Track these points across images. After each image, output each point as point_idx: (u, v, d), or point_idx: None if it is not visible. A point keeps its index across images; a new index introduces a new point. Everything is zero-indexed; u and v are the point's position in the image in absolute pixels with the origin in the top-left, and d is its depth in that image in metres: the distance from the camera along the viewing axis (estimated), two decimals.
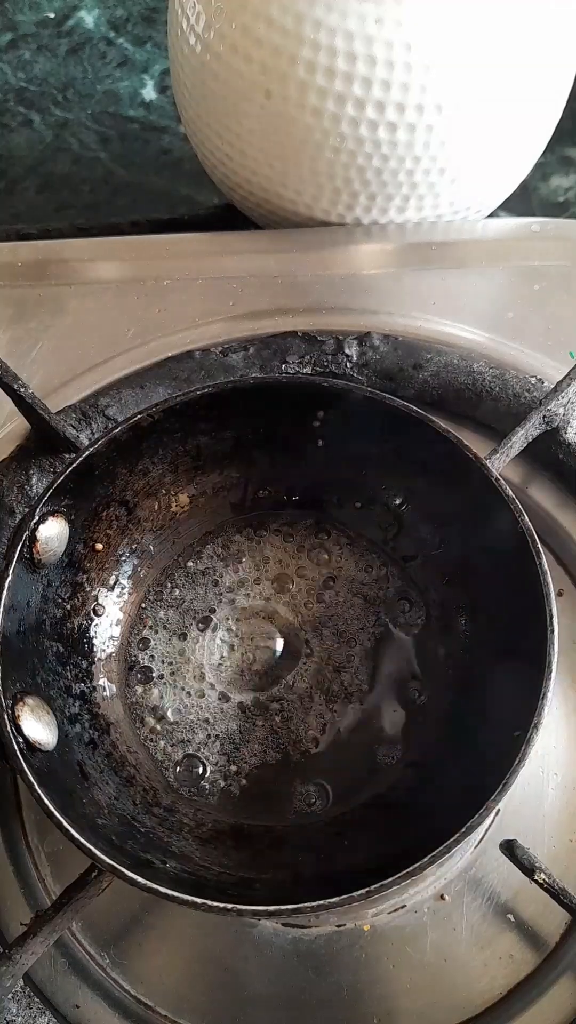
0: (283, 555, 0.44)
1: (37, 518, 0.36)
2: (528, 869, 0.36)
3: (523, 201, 0.62)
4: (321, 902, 0.30)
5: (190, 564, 0.44)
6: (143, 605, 0.43)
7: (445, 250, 0.52)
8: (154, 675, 0.42)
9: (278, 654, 0.42)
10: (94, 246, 0.54)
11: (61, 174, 0.66)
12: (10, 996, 0.35)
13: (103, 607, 0.42)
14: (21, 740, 0.34)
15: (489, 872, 0.39)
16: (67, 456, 0.44)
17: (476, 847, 0.39)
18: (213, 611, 0.43)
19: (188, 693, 0.42)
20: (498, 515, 0.37)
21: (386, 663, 0.42)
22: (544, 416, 0.42)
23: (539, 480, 0.46)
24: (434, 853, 0.31)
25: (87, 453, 0.37)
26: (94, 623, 0.41)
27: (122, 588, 0.43)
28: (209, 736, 0.41)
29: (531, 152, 0.52)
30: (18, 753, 0.33)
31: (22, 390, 0.42)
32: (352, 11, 0.42)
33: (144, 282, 0.51)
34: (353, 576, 0.44)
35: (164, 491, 0.43)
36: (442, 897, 0.39)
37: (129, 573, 0.43)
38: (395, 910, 0.39)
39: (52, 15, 0.71)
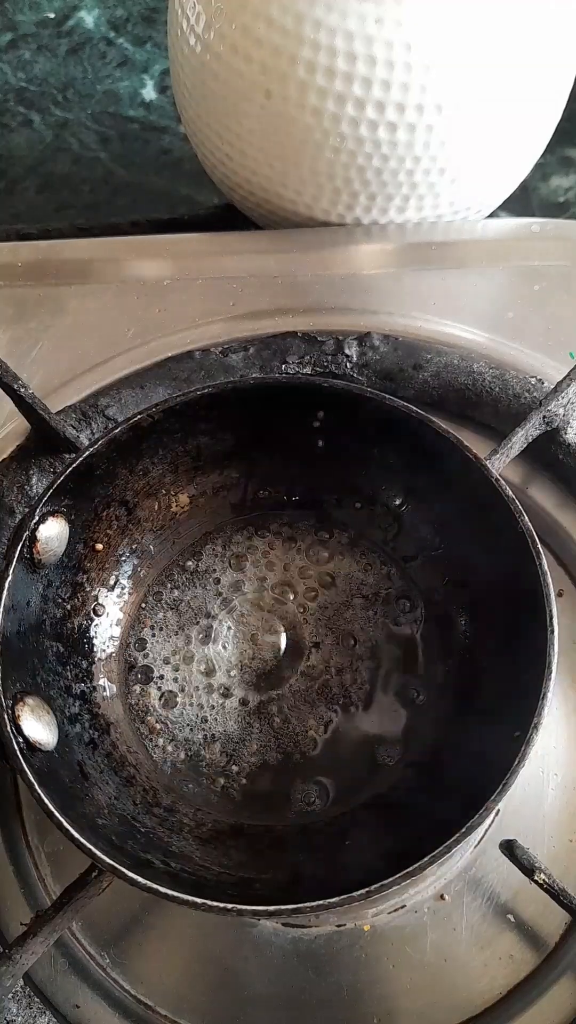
0: (283, 555, 0.44)
1: (37, 518, 0.36)
2: (528, 869, 0.36)
3: (523, 201, 0.62)
4: (321, 902, 0.30)
5: (190, 564, 0.44)
6: (143, 605, 0.43)
7: (445, 250, 0.52)
8: (154, 675, 0.42)
9: (278, 654, 0.42)
10: (94, 246, 0.54)
11: (61, 174, 0.66)
12: (10, 996, 0.35)
13: (103, 607, 0.42)
14: (21, 740, 0.34)
15: (489, 872, 0.39)
16: (67, 456, 0.44)
17: (476, 847, 0.39)
18: (213, 611, 0.43)
19: (188, 693, 0.42)
20: (498, 515, 0.37)
21: (386, 663, 0.42)
22: (544, 416, 0.42)
23: (539, 480, 0.46)
24: (434, 853, 0.31)
25: (87, 453, 0.37)
26: (94, 623, 0.41)
27: (122, 588, 0.43)
28: (209, 736, 0.41)
29: (531, 152, 0.52)
30: (18, 753, 0.33)
31: (22, 390, 0.42)
32: (352, 11, 0.42)
33: (144, 282, 0.51)
34: (353, 576, 0.44)
35: (164, 491, 0.43)
36: (442, 897, 0.39)
37: (129, 573, 0.43)
38: (395, 910, 0.39)
39: (52, 15, 0.71)
